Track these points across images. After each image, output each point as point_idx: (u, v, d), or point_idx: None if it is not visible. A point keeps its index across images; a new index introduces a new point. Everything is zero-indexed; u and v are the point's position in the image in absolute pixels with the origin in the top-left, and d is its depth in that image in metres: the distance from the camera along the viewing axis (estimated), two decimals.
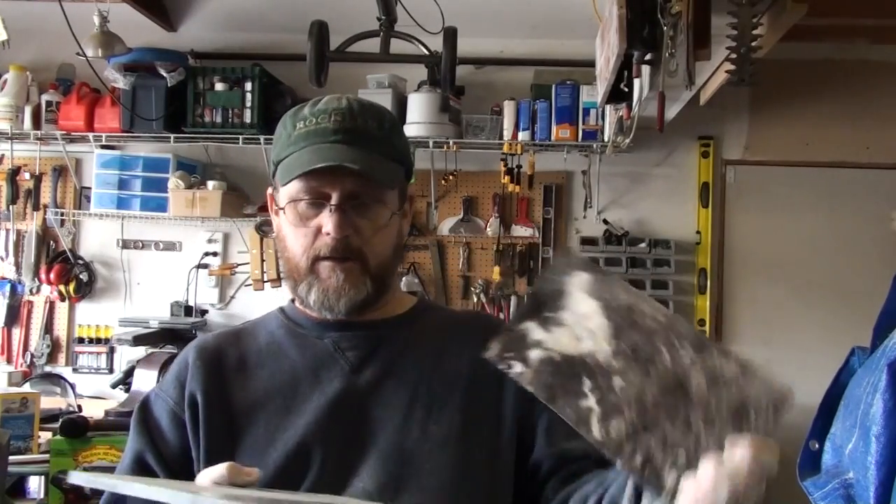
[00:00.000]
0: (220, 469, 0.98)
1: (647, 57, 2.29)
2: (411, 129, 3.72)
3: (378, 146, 1.15)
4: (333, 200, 1.13)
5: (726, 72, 2.00)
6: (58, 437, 2.37)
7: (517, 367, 0.84)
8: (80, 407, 3.32)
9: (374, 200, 1.15)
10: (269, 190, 1.24)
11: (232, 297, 4.11)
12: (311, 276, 1.16)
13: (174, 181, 3.87)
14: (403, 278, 3.91)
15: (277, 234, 1.22)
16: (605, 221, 3.99)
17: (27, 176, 4.12)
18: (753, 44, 1.94)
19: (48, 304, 4.18)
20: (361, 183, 1.13)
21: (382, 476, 1.10)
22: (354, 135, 1.14)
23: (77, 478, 0.84)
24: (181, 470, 1.16)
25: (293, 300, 1.26)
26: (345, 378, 1.17)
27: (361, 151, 1.13)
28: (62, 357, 4.18)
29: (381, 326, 1.22)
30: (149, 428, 1.20)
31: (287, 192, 1.16)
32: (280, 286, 3.76)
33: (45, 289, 4.15)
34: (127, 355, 3.97)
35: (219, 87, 3.78)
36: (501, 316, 3.95)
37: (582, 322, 0.82)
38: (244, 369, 1.21)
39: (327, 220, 1.13)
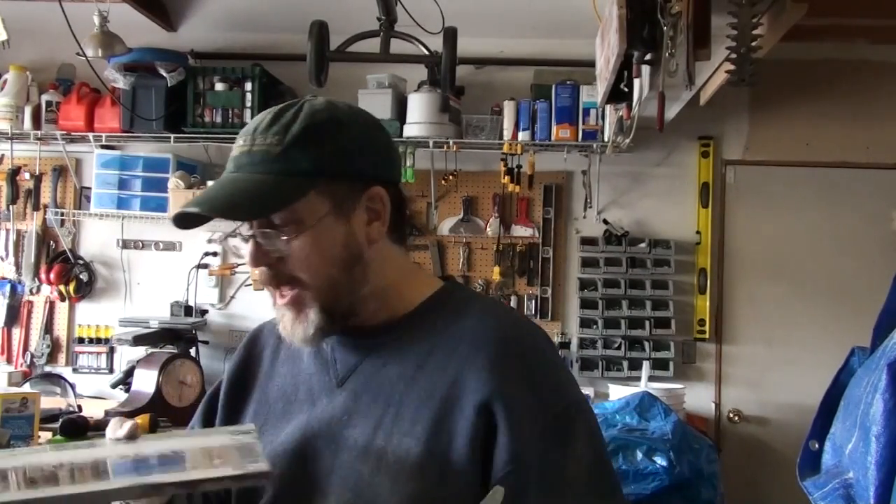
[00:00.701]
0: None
1: (647, 57, 2.29)
2: (411, 129, 3.72)
3: (270, 165, 1.05)
4: (247, 231, 1.07)
5: (726, 72, 2.00)
6: (58, 437, 2.37)
7: None
8: (80, 407, 3.32)
9: (286, 222, 1.05)
10: None
11: (232, 297, 4.10)
12: (276, 307, 1.13)
13: (174, 181, 3.87)
14: None
15: None
16: (605, 221, 3.99)
17: (27, 176, 4.12)
18: (753, 44, 1.94)
19: (48, 304, 4.18)
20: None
21: None
22: (247, 159, 1.06)
23: None
24: None
25: None
26: (329, 393, 1.13)
27: (246, 177, 1.06)
28: (62, 357, 4.18)
29: (377, 332, 1.14)
30: (211, 395, 1.30)
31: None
32: None
33: (45, 289, 4.15)
34: (127, 355, 3.97)
35: (219, 87, 3.78)
36: None
37: None
38: (274, 363, 1.24)
39: (247, 253, 1.08)
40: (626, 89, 2.57)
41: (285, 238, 1.05)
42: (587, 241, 4.00)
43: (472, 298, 1.18)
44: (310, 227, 1.05)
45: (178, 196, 3.84)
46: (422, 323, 1.13)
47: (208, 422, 1.27)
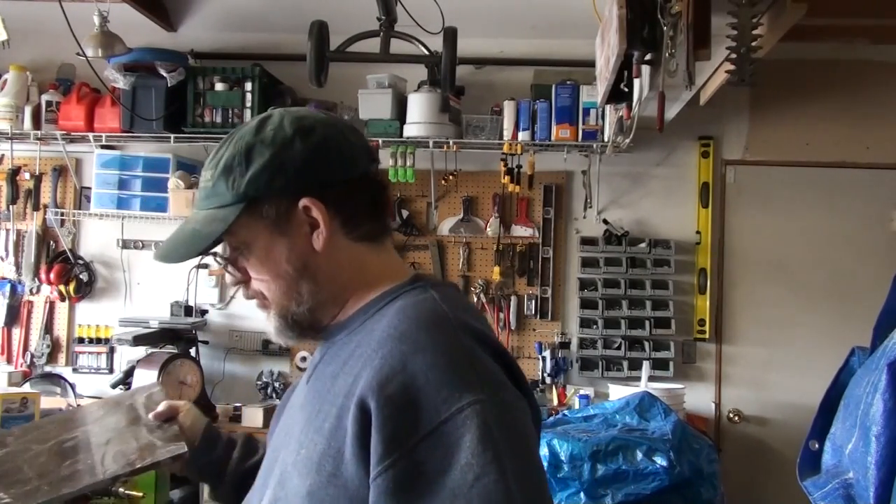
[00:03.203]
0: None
1: (647, 57, 2.29)
2: (411, 129, 3.72)
3: (206, 202, 1.15)
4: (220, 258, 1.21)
5: (726, 72, 2.00)
6: None
7: None
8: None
9: (238, 247, 1.16)
10: None
11: (232, 297, 4.10)
12: None
13: (174, 181, 3.87)
14: None
15: None
16: (605, 221, 3.99)
17: (27, 176, 4.12)
18: (753, 44, 1.94)
19: (48, 304, 4.18)
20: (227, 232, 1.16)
21: (270, 498, 1.11)
22: (196, 196, 1.20)
23: None
24: None
25: None
26: (301, 391, 1.21)
27: (192, 217, 1.18)
28: (62, 357, 4.18)
29: (336, 331, 1.19)
30: None
31: None
32: None
33: (45, 289, 4.15)
34: (127, 355, 3.97)
35: (219, 87, 3.78)
36: (501, 315, 3.97)
37: None
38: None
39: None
40: (626, 89, 2.57)
41: (238, 262, 1.17)
42: (587, 241, 4.00)
43: (406, 293, 1.14)
44: (253, 250, 1.15)
45: (178, 196, 3.84)
46: (358, 321, 1.15)
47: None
